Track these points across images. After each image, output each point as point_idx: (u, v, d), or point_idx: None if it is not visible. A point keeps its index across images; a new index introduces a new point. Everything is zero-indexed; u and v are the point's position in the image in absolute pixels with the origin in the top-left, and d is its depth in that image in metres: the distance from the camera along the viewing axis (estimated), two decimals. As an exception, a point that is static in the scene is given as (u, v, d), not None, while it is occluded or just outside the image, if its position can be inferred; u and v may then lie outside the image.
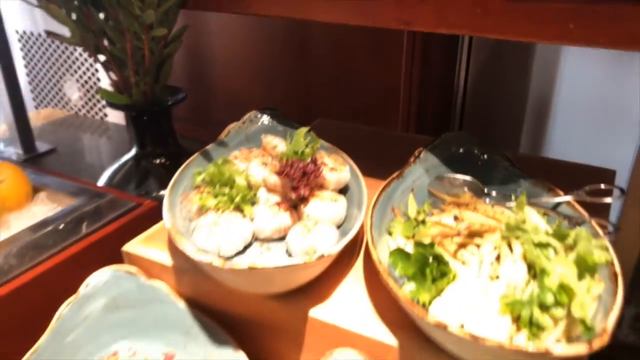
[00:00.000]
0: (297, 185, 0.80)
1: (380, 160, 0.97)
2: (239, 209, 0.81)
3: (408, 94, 1.59)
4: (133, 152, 1.14)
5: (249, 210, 0.81)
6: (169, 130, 1.13)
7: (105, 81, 2.07)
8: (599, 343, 0.52)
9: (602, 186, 0.81)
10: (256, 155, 0.95)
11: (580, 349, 0.50)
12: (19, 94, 1.49)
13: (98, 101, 2.24)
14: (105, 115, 2.22)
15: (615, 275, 0.63)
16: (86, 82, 2.23)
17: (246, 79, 1.83)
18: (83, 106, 2.29)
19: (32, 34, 2.24)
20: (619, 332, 1.26)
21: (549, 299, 0.58)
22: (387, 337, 0.66)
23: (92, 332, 0.78)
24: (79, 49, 2.14)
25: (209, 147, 0.98)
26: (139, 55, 0.99)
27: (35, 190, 1.00)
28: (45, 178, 1.04)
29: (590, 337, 0.53)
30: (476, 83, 1.55)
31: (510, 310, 0.59)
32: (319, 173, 0.82)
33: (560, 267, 0.60)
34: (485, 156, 0.94)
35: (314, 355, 0.71)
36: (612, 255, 0.65)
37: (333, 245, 0.72)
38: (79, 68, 2.25)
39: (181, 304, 0.79)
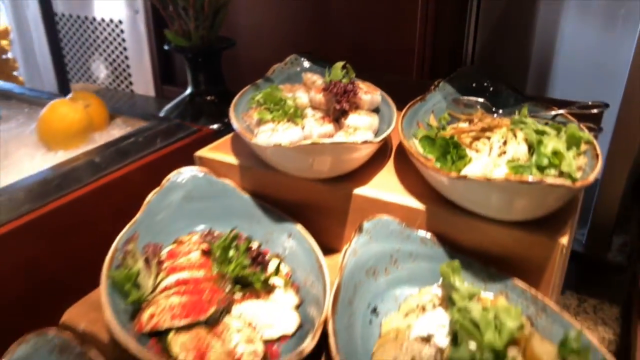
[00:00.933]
0: (340, 100, 0.98)
1: (401, 101, 1.13)
2: (291, 120, 0.99)
3: (421, 55, 1.77)
4: (188, 91, 1.32)
5: (300, 121, 0.99)
6: (219, 73, 1.31)
7: (133, 59, 2.26)
8: (580, 183, 0.70)
9: (590, 102, 0.99)
10: (298, 89, 1.13)
11: (567, 182, 0.68)
12: (64, 70, 1.68)
13: (125, 78, 2.41)
14: (132, 90, 2.39)
15: (597, 155, 0.80)
16: (114, 60, 2.41)
17: (270, 49, 2.00)
18: (111, 83, 2.47)
19: (70, 15, 2.41)
20: (609, 254, 1.44)
21: (545, 161, 0.76)
22: (416, 204, 0.84)
23: (173, 217, 0.96)
24: (108, 29, 2.31)
25: (258, 81, 1.16)
26: (199, 4, 1.17)
27: (111, 117, 1.19)
28: (117, 111, 1.22)
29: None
30: (484, 45, 1.73)
31: (514, 172, 0.77)
32: (357, 91, 1.00)
33: (553, 141, 0.78)
34: (494, 86, 1.11)
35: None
36: (594, 141, 0.83)
37: (372, 139, 0.90)
38: (107, 47, 2.42)
39: (245, 196, 0.97)
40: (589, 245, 1.45)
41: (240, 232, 0.86)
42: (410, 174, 0.91)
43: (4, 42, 2.14)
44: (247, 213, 0.96)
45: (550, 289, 0.77)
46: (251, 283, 0.76)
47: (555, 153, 0.76)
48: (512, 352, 0.63)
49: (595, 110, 0.97)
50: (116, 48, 2.38)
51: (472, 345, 0.61)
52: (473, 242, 0.81)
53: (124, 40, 2.30)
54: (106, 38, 2.38)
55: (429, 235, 0.83)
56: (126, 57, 2.37)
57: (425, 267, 0.81)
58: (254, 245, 0.83)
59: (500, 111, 1.04)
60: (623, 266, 1.38)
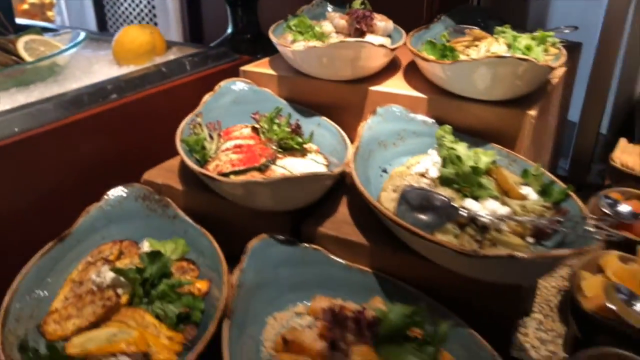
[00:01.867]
0: (360, 21, 1.21)
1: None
2: (319, 40, 1.22)
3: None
4: (229, 31, 1.56)
5: (327, 40, 1.22)
6: (254, 16, 1.55)
7: (161, 19, 2.49)
8: (544, 63, 0.92)
9: (563, 27, 1.21)
10: (324, 23, 1.36)
11: (532, 59, 0.91)
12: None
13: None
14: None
15: (563, 55, 1.02)
16: (142, 18, 2.63)
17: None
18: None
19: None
20: (588, 178, 1.66)
21: (518, 52, 0.98)
22: (419, 95, 1.07)
23: (224, 115, 1.19)
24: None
25: (289, 16, 1.39)
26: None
27: (168, 46, 1.43)
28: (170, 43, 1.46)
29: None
30: None
31: (495, 62, 0.99)
32: (373, 16, 1.23)
33: (526, 40, 1.00)
34: (485, 21, 1.33)
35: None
36: (560, 46, 1.05)
37: (385, 47, 1.13)
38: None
39: (283, 101, 1.21)
40: (571, 171, 1.68)
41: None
42: (416, 77, 1.14)
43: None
44: (285, 113, 1.19)
45: (522, 150, 0.99)
46: (291, 146, 1.00)
47: (528, 48, 0.99)
48: (485, 179, 0.85)
49: (567, 31, 1.20)
50: (146, 15, 2.61)
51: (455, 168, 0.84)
52: (464, 121, 1.04)
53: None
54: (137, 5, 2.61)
55: (428, 118, 1.06)
56: (154, 15, 2.58)
57: (427, 142, 1.04)
58: (292, 120, 1.06)
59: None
60: (600, 185, 1.59)
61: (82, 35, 1.26)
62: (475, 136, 1.02)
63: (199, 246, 0.93)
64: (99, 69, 1.24)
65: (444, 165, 0.88)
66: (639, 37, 1.59)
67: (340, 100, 1.16)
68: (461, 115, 1.04)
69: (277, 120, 1.03)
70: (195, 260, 0.92)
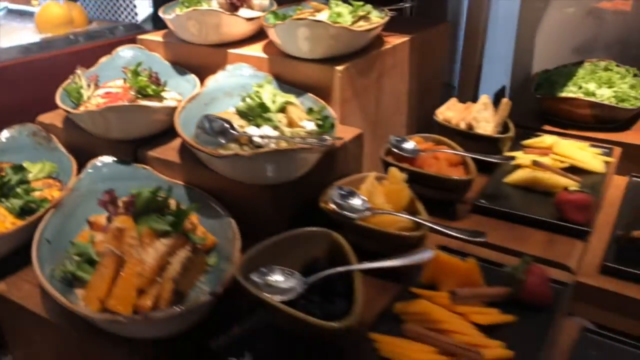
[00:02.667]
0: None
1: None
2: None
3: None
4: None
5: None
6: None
7: None
8: (349, 26, 1.14)
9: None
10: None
11: (331, 22, 1.13)
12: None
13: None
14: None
15: (382, 18, 1.24)
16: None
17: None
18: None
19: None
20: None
21: (333, 17, 1.20)
22: (263, 55, 1.29)
23: (120, 74, 1.43)
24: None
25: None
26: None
27: (90, 22, 1.67)
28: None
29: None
30: None
31: (314, 27, 1.21)
32: (247, -6, 1.46)
33: (342, 8, 1.22)
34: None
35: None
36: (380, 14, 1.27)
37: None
38: None
39: (166, 63, 1.44)
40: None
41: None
42: (270, 44, 1.36)
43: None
44: (165, 73, 1.43)
45: (334, 101, 1.21)
46: (148, 93, 1.23)
47: (339, 15, 1.21)
48: (276, 114, 1.08)
49: (407, 5, 1.41)
50: None
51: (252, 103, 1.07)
52: (295, 77, 1.26)
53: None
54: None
55: (270, 75, 1.28)
56: None
57: (265, 94, 1.26)
58: (153, 74, 1.30)
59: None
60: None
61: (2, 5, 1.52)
62: (302, 89, 1.25)
63: (66, 169, 1.17)
64: (22, 35, 1.50)
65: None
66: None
67: (209, 62, 1.39)
68: (293, 72, 1.27)
69: (142, 74, 1.27)
70: (62, 180, 1.16)
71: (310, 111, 1.11)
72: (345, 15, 1.21)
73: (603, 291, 1.00)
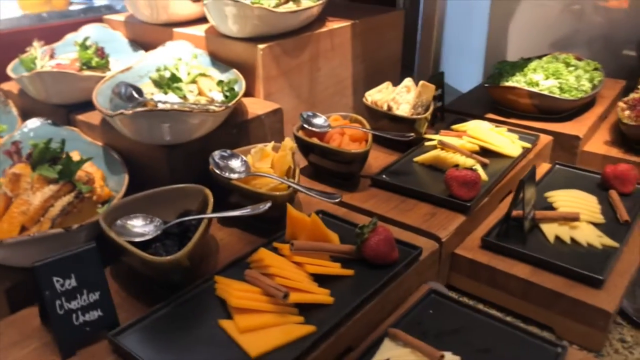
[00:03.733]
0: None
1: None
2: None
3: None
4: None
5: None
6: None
7: None
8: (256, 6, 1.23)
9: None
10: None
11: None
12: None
13: None
14: None
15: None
16: None
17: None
18: None
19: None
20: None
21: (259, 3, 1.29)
22: (202, 34, 1.39)
23: (82, 50, 1.56)
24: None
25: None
26: None
27: (70, 3, 1.82)
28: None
29: None
30: None
31: (242, 8, 1.30)
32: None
33: (269, -8, 1.31)
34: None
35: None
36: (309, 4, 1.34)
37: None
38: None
39: (124, 39, 1.56)
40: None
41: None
42: (212, 26, 1.46)
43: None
44: (122, 49, 1.55)
45: (258, 78, 1.30)
46: (93, 65, 1.35)
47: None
48: (191, 86, 1.17)
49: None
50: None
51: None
52: (226, 55, 1.35)
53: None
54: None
55: (205, 51, 1.38)
56: None
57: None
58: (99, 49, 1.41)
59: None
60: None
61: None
62: (232, 66, 1.34)
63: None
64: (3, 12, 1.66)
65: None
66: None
67: (159, 40, 1.50)
68: (225, 50, 1.36)
69: (90, 48, 1.39)
70: (8, 139, 1.29)
71: (219, 83, 1.20)
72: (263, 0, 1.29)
73: (476, 263, 1.05)
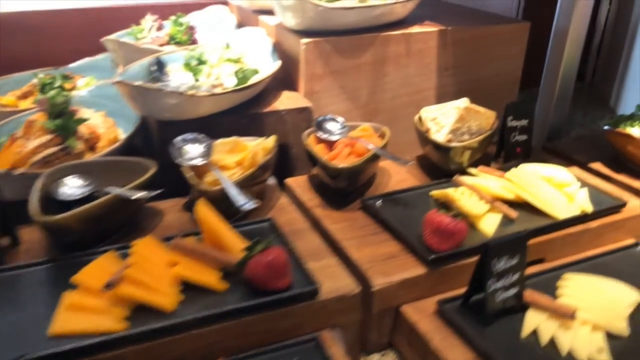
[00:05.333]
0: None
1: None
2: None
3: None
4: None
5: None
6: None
7: None
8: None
9: None
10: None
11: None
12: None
13: None
14: None
15: None
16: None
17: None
18: None
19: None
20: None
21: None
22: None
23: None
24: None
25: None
26: None
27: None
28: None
29: None
30: None
31: None
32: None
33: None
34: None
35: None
36: None
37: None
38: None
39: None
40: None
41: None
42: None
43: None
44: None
45: (301, 73, 1.25)
46: (178, 40, 1.46)
47: None
48: (217, 70, 1.19)
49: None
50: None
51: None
52: (284, 47, 1.33)
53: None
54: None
55: (271, 41, 1.38)
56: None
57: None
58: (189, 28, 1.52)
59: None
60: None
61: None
62: (285, 59, 1.31)
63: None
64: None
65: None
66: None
67: (252, 24, 1.55)
68: (283, 41, 1.34)
69: (182, 25, 1.50)
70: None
71: (238, 71, 1.18)
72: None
73: (414, 332, 0.85)
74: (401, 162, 1.03)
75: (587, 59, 2.45)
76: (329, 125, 1.15)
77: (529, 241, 0.92)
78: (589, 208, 1.02)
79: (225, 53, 1.24)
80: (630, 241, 1.05)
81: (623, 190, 1.14)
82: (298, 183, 1.16)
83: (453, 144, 1.10)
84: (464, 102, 1.17)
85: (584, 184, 1.11)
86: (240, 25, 1.64)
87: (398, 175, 1.19)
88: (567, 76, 1.46)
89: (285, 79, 1.34)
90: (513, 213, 0.99)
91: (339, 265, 0.89)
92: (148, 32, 1.56)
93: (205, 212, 0.88)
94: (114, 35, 1.51)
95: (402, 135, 1.31)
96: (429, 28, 1.35)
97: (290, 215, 1.03)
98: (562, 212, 1.00)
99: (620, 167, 1.24)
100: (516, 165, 1.13)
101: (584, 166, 1.25)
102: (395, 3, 1.30)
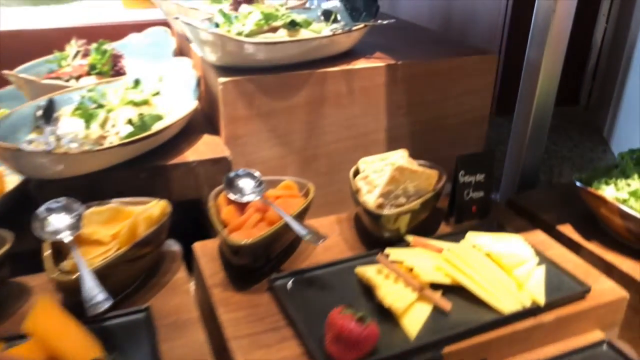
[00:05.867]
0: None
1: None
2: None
3: None
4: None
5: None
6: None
7: None
8: None
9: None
10: None
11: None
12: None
13: None
14: None
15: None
16: None
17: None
18: None
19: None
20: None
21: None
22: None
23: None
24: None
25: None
26: None
27: None
28: None
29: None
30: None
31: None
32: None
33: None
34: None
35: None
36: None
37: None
38: None
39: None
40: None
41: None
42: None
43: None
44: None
45: (220, 115, 1.07)
46: (99, 70, 1.30)
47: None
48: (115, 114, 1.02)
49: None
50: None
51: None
52: (207, 83, 1.15)
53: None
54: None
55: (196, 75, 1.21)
56: None
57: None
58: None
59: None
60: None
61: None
62: (207, 97, 1.14)
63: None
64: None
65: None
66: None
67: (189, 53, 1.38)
68: (206, 77, 1.16)
69: (106, 52, 1.34)
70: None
71: (134, 118, 1.01)
72: (250, 23, 1.04)
73: None
74: (313, 240, 0.85)
75: (582, 81, 2.25)
76: (242, 182, 0.97)
77: (465, 341, 0.75)
78: (542, 299, 0.83)
79: (129, 93, 1.06)
80: (595, 337, 0.86)
81: (591, 266, 0.95)
82: (206, 250, 0.98)
83: (384, 211, 0.92)
84: (401, 156, 0.98)
85: (543, 259, 0.92)
86: (179, 51, 1.47)
87: (327, 241, 1.00)
88: (542, 116, 1.26)
89: (211, 120, 1.17)
90: (446, 305, 0.81)
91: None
92: (72, 60, 1.40)
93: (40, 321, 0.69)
94: (32, 63, 1.35)
95: (347, 184, 1.13)
96: (374, 63, 1.17)
97: (180, 299, 0.85)
98: (507, 304, 0.81)
99: (593, 229, 1.05)
100: (468, 229, 0.95)
101: (550, 229, 1.06)
102: (333, 35, 1.12)
